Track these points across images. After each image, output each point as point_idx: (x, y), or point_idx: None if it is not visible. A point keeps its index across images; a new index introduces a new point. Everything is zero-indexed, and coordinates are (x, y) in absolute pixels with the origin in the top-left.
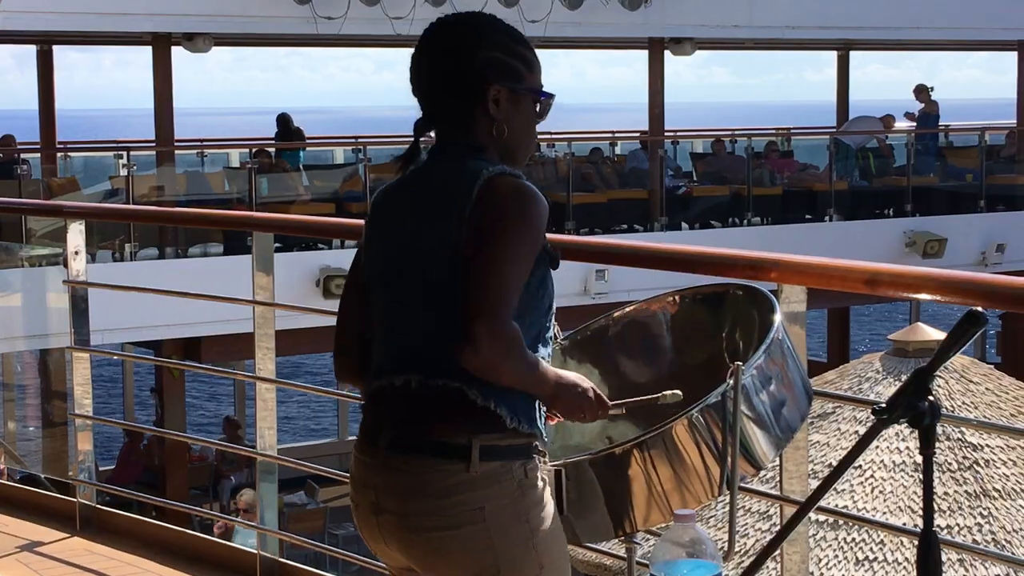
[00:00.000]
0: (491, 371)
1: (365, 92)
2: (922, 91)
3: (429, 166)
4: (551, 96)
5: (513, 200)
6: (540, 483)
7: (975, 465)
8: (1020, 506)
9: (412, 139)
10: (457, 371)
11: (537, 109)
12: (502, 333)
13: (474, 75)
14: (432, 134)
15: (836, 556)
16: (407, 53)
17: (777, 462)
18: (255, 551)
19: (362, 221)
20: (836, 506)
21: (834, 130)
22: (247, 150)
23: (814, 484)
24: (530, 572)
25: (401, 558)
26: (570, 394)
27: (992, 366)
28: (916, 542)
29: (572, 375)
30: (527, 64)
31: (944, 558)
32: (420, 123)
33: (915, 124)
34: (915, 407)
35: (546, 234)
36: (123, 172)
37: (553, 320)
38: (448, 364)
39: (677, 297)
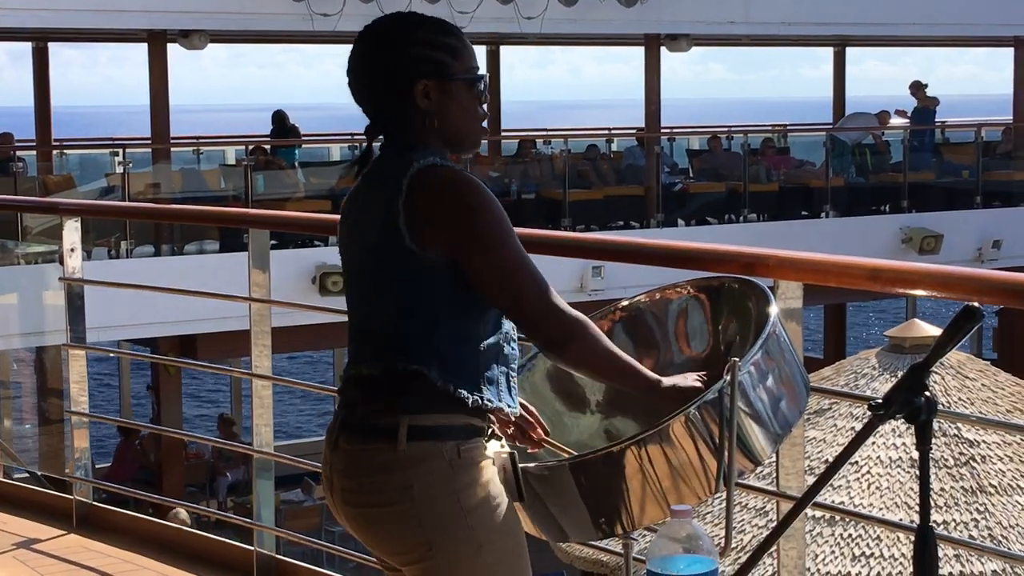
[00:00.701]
0: (576, 362)
1: None
2: (918, 88)
3: (376, 166)
4: (480, 77)
5: (458, 192)
6: (476, 463)
7: (971, 461)
8: (1016, 502)
9: (366, 144)
10: (420, 355)
11: (474, 91)
12: (567, 319)
13: (401, 74)
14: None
15: (833, 552)
16: None
17: (774, 458)
18: (252, 548)
19: None
20: (833, 502)
21: (830, 126)
22: (243, 147)
23: (811, 480)
24: (465, 551)
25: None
26: (687, 396)
27: (988, 362)
28: (912, 538)
29: (688, 377)
30: (452, 52)
31: (940, 553)
32: (369, 128)
33: (908, 120)
34: (911, 403)
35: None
36: (119, 169)
37: None
38: (409, 349)
39: (672, 291)
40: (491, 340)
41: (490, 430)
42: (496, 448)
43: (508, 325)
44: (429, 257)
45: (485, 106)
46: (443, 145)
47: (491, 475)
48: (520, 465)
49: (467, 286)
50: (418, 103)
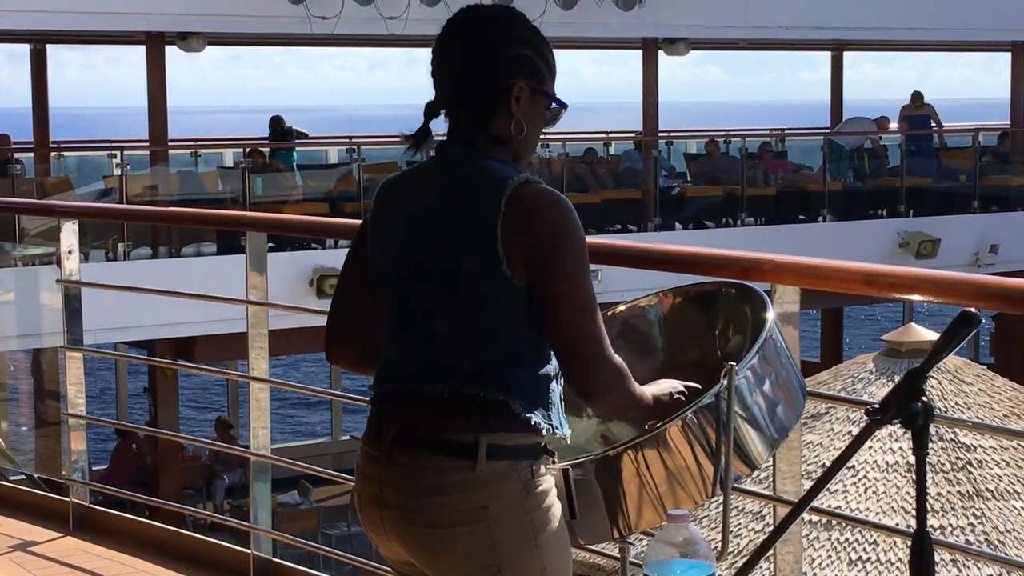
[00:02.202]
0: (609, 407)
1: (359, 91)
2: (917, 99)
3: (447, 159)
4: (564, 105)
5: (556, 217)
6: (546, 484)
7: (968, 466)
8: (1013, 507)
9: (424, 118)
10: (497, 385)
11: (547, 114)
12: (612, 372)
13: (504, 69)
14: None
15: (829, 556)
16: (401, 53)
17: (771, 462)
18: (248, 551)
19: (356, 221)
20: (829, 506)
21: (828, 131)
22: (241, 150)
23: (807, 484)
24: (531, 573)
25: (402, 552)
26: (667, 404)
27: (985, 367)
28: (909, 542)
29: (662, 383)
30: (549, 67)
31: (937, 558)
32: (431, 105)
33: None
34: (908, 408)
35: None
36: (117, 171)
37: None
38: (486, 378)
39: (669, 296)
40: (554, 363)
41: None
42: (554, 468)
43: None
44: (519, 284)
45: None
46: (511, 153)
47: (555, 496)
48: None
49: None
50: (510, 103)
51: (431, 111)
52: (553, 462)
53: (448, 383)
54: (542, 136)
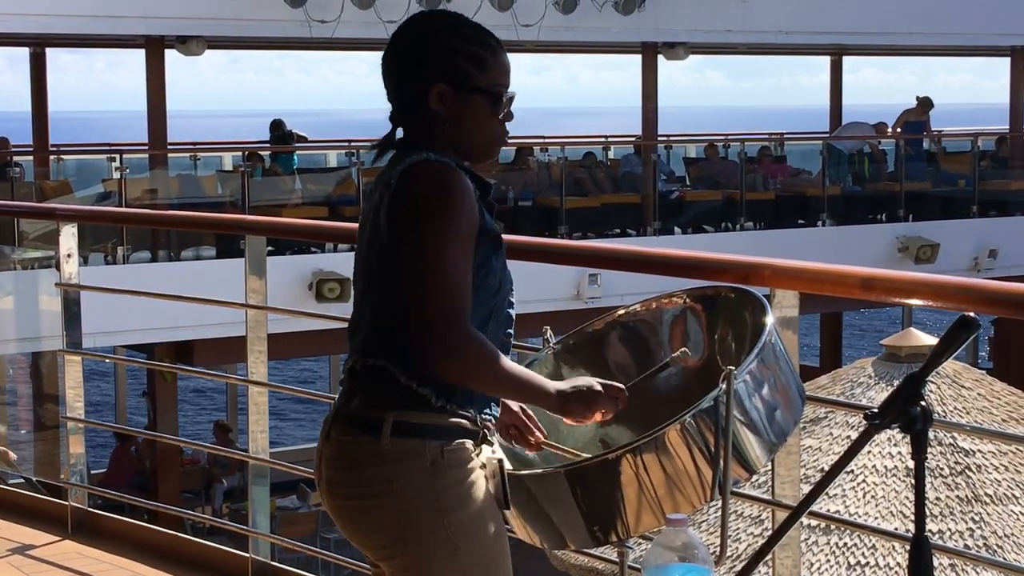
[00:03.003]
0: (463, 382)
1: (358, 95)
2: (925, 104)
3: (389, 161)
4: (501, 95)
5: (426, 186)
6: (461, 465)
7: (967, 470)
8: (1011, 511)
9: (390, 130)
10: (387, 350)
11: (493, 108)
12: (458, 337)
13: (420, 72)
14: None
15: (828, 561)
16: None
17: (769, 466)
18: (247, 555)
19: (355, 225)
20: (828, 511)
21: (827, 135)
22: (240, 153)
23: (806, 489)
24: (441, 551)
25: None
26: (579, 398)
27: (984, 371)
28: (908, 547)
29: (573, 379)
30: (478, 63)
31: (935, 563)
32: (390, 116)
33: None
34: (907, 412)
35: (487, 214)
36: (116, 175)
37: (512, 303)
38: (379, 344)
39: (668, 300)
40: None
41: (482, 434)
42: (488, 454)
43: (499, 330)
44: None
45: (507, 124)
46: (452, 151)
47: (476, 479)
48: (520, 472)
49: None
50: (431, 104)
51: (392, 122)
52: (489, 447)
53: (357, 356)
54: (542, 139)
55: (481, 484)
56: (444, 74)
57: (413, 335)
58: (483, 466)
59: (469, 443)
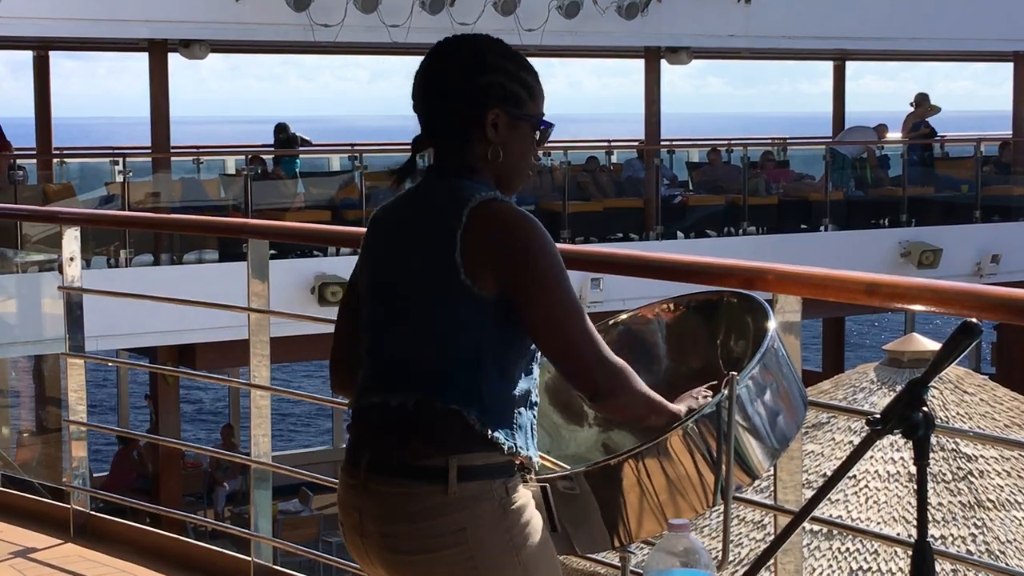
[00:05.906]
0: (619, 411)
1: (360, 100)
2: (931, 109)
3: (425, 186)
4: (550, 125)
5: (527, 232)
6: (522, 499)
7: (969, 476)
8: (1014, 517)
9: (410, 152)
10: (458, 394)
11: (536, 137)
12: (613, 370)
13: (475, 98)
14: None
15: (830, 566)
16: (403, 61)
17: (772, 472)
18: (249, 558)
19: (358, 229)
20: (830, 516)
21: (830, 140)
22: (243, 157)
23: (808, 494)
24: None
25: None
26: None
27: (987, 377)
28: (910, 552)
29: (685, 399)
30: (528, 91)
31: (938, 569)
32: (418, 139)
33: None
34: (909, 418)
35: None
36: (119, 178)
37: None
38: (446, 386)
39: (671, 305)
40: (524, 385)
41: (526, 463)
42: (532, 481)
43: (537, 373)
44: (481, 294)
45: (540, 153)
46: (492, 179)
47: (534, 510)
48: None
49: (509, 327)
50: (486, 131)
51: (418, 145)
52: (531, 478)
53: (409, 393)
54: (545, 144)
55: (537, 513)
56: (502, 101)
57: (580, 383)
58: (533, 495)
59: (520, 476)
